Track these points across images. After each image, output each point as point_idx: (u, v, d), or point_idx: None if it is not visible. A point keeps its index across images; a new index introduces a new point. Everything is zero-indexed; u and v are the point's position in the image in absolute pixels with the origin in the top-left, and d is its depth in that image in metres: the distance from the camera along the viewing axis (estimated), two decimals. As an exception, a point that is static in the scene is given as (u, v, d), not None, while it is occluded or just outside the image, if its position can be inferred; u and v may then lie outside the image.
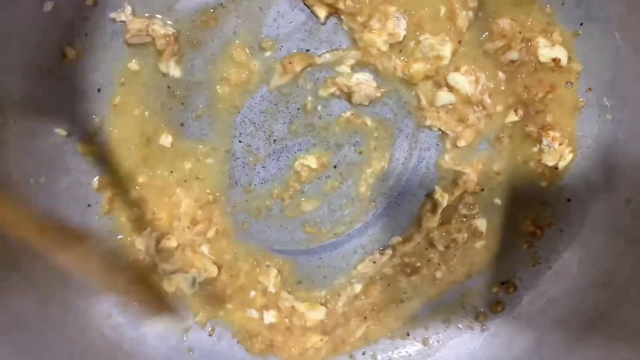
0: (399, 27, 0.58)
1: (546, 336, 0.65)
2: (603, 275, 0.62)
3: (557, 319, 0.65)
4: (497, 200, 0.66)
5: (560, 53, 0.59)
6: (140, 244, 0.63)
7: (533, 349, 0.65)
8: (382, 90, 0.61)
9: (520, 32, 0.59)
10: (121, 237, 0.64)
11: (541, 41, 0.59)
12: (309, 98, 0.61)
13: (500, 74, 0.61)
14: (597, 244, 0.64)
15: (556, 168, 0.64)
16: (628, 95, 0.60)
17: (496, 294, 0.69)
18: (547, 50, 0.59)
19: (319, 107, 0.62)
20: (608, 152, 0.62)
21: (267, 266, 0.66)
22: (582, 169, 0.64)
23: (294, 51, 0.60)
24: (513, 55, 0.60)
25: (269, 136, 0.63)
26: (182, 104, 0.61)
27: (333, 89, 0.61)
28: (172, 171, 0.63)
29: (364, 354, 0.70)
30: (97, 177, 0.63)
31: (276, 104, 0.62)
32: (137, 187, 0.63)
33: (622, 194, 0.62)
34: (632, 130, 0.60)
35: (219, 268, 0.65)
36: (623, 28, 0.57)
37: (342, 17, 0.59)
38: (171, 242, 0.63)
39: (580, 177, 0.65)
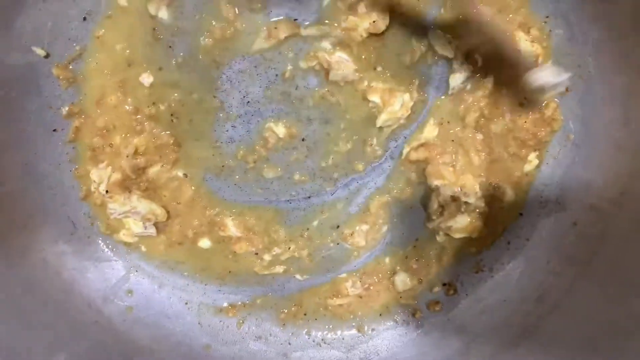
0: (382, 20, 0.59)
1: (476, 341, 0.66)
2: (538, 290, 0.64)
3: (489, 325, 0.66)
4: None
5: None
6: (95, 176, 0.63)
7: (462, 352, 0.66)
8: (359, 75, 0.62)
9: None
10: (77, 166, 0.64)
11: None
12: (289, 67, 0.62)
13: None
14: (538, 260, 0.66)
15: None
16: (591, 121, 0.62)
17: (436, 293, 0.70)
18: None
19: (297, 78, 0.63)
20: (564, 173, 0.64)
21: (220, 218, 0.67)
22: (539, 186, 0.66)
23: (282, 17, 0.61)
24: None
25: (244, 97, 0.64)
26: (166, 47, 0.62)
27: (313, 63, 0.62)
28: (146, 106, 0.64)
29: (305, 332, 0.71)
30: (69, 104, 0.63)
31: (256, 67, 0.63)
32: (105, 118, 0.63)
33: (570, 216, 0.64)
34: (589, 156, 0.62)
35: (169, 213, 0.66)
36: (596, 55, 0.59)
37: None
38: (121, 177, 0.63)
39: (536, 194, 0.67)
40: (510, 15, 0.60)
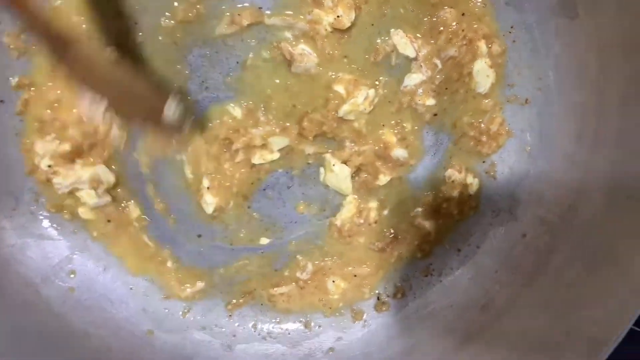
0: (347, 17, 0.58)
1: (420, 344, 0.67)
2: (484, 298, 0.64)
3: (434, 329, 0.67)
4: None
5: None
6: (39, 148, 0.61)
7: (406, 353, 0.67)
8: (320, 69, 0.61)
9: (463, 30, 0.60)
10: (24, 139, 0.62)
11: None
12: (250, 55, 0.61)
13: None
14: (486, 268, 0.66)
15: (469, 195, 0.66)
16: (547, 134, 0.62)
17: (384, 295, 0.70)
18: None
19: (258, 67, 0.62)
20: (518, 184, 0.65)
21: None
22: (493, 195, 0.67)
23: (247, 4, 0.59)
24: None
25: (202, 82, 0.62)
26: (124, 25, 0.60)
27: (276, 53, 0.61)
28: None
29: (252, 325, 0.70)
30: (19, 75, 0.61)
31: (217, 52, 0.61)
32: (57, 91, 0.61)
33: (520, 228, 0.64)
34: (543, 169, 0.62)
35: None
36: (556, 69, 0.59)
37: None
38: (69, 148, 0.61)
39: (489, 203, 0.67)
40: (475, 25, 0.59)
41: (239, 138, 0.63)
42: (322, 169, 0.66)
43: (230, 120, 0.63)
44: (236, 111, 0.63)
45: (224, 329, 0.70)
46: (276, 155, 0.64)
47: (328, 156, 0.65)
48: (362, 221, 0.68)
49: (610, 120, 0.53)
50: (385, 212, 0.68)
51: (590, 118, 0.56)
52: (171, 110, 0.57)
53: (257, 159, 0.64)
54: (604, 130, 0.55)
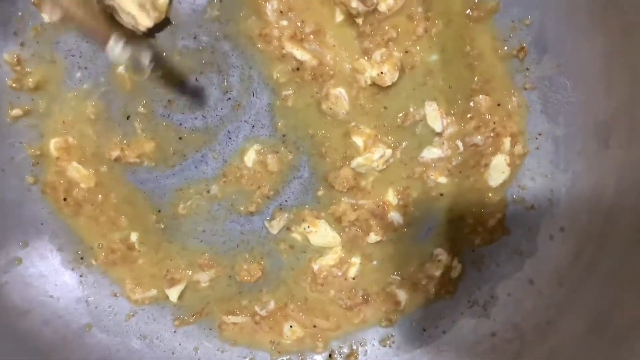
0: (391, 76, 0.57)
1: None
2: None
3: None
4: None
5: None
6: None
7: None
8: (347, 116, 0.60)
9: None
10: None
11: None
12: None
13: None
14: (447, 356, 0.65)
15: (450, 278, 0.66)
16: (543, 243, 0.62)
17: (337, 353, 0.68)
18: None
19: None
20: (501, 283, 0.65)
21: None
22: (472, 286, 0.66)
23: (295, 31, 0.58)
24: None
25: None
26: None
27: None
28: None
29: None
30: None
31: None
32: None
33: (491, 326, 0.64)
34: (529, 277, 0.62)
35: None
36: (570, 187, 0.60)
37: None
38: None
39: (466, 292, 0.66)
40: (506, 120, 0.60)
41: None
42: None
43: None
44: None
45: (162, 344, 0.66)
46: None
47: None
48: (339, 274, 0.66)
49: (613, 252, 0.54)
50: (365, 270, 0.66)
51: (592, 244, 0.56)
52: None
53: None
54: (604, 258, 0.55)
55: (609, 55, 0.53)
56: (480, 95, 0.60)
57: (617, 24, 0.51)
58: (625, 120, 0.53)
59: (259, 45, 0.58)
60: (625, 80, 0.52)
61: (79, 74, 0.59)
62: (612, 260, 0.53)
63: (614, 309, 0.51)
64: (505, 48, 0.58)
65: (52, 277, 0.63)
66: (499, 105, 0.60)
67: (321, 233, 0.64)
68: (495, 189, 0.63)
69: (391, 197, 0.63)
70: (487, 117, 0.60)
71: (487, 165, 0.62)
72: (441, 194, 0.63)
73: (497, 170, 0.62)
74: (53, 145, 0.61)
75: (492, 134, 0.60)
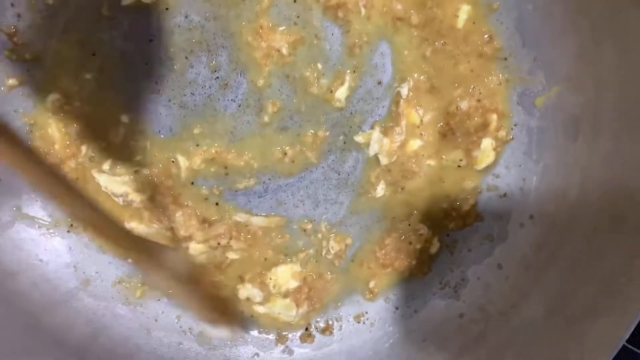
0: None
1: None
2: (405, 362, 0.66)
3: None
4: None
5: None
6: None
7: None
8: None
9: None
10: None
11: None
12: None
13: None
14: (415, 334, 0.68)
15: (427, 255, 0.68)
16: (514, 231, 0.65)
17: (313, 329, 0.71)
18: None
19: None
20: (471, 268, 0.67)
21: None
22: (445, 267, 0.69)
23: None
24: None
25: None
26: None
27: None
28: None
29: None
30: None
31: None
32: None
33: (460, 308, 0.67)
34: (498, 261, 0.65)
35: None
36: (540, 178, 0.62)
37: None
38: None
39: (440, 273, 0.69)
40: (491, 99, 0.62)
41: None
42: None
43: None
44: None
45: (146, 311, 0.69)
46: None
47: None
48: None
49: (576, 242, 0.56)
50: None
51: (557, 233, 0.59)
52: None
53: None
54: (567, 247, 0.58)
55: (579, 54, 0.55)
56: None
57: (587, 26, 0.53)
58: (591, 117, 0.55)
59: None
60: (592, 79, 0.54)
61: (73, 48, 0.62)
62: (573, 250, 0.56)
63: (571, 296, 0.54)
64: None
65: (42, 242, 0.66)
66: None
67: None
68: (476, 173, 0.65)
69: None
70: (472, 88, 0.62)
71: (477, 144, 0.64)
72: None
73: (485, 153, 0.64)
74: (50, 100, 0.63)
75: (478, 102, 0.62)
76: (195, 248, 0.67)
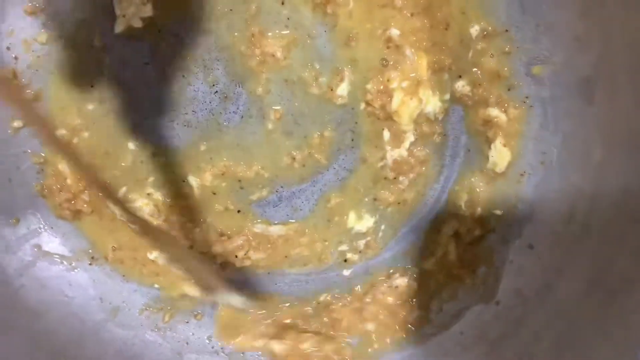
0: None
1: None
2: (444, 357, 0.64)
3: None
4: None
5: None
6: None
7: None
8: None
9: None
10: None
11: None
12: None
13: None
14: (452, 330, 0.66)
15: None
16: (541, 210, 0.62)
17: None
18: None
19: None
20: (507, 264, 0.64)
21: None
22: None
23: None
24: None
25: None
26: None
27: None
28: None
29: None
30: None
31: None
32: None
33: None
34: (530, 241, 0.62)
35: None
36: (561, 148, 0.59)
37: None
38: None
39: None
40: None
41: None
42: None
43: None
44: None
45: (176, 334, 0.68)
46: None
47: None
48: None
49: (605, 211, 0.53)
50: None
51: (584, 203, 0.56)
52: None
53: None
54: (596, 217, 0.55)
55: (583, 12, 0.52)
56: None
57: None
58: (605, 76, 0.52)
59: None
60: (599, 36, 0.51)
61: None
62: (603, 219, 0.53)
63: (606, 269, 0.51)
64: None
65: (66, 277, 0.66)
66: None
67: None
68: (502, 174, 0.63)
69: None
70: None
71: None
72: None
73: (500, 155, 0.62)
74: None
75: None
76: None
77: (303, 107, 0.64)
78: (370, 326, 0.66)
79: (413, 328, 0.66)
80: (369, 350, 0.66)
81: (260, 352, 0.66)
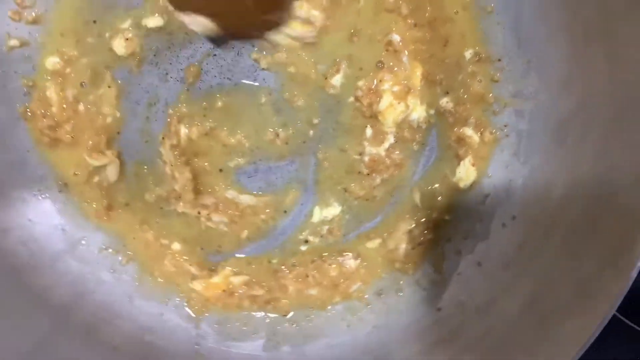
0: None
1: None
2: (379, 349, 0.67)
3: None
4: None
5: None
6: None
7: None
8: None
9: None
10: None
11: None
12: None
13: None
14: (398, 317, 0.69)
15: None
16: (496, 229, 0.66)
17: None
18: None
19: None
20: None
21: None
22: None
23: None
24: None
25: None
26: None
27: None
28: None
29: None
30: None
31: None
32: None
33: (436, 303, 0.68)
34: (480, 258, 0.66)
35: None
36: (527, 180, 0.63)
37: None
38: None
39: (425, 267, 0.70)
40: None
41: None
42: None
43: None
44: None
45: (130, 279, 0.70)
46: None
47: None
48: None
49: (556, 246, 0.57)
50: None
51: (539, 233, 0.59)
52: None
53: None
54: (547, 249, 0.58)
55: (571, 59, 0.55)
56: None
57: (580, 32, 0.54)
58: (581, 121, 0.55)
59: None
60: (582, 84, 0.55)
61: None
62: (552, 252, 0.56)
63: (545, 296, 0.54)
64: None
65: (32, 203, 0.67)
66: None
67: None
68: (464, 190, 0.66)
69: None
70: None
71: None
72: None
73: (466, 172, 0.65)
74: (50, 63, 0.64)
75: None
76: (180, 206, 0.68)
77: (297, 89, 0.65)
78: (313, 291, 0.69)
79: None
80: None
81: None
